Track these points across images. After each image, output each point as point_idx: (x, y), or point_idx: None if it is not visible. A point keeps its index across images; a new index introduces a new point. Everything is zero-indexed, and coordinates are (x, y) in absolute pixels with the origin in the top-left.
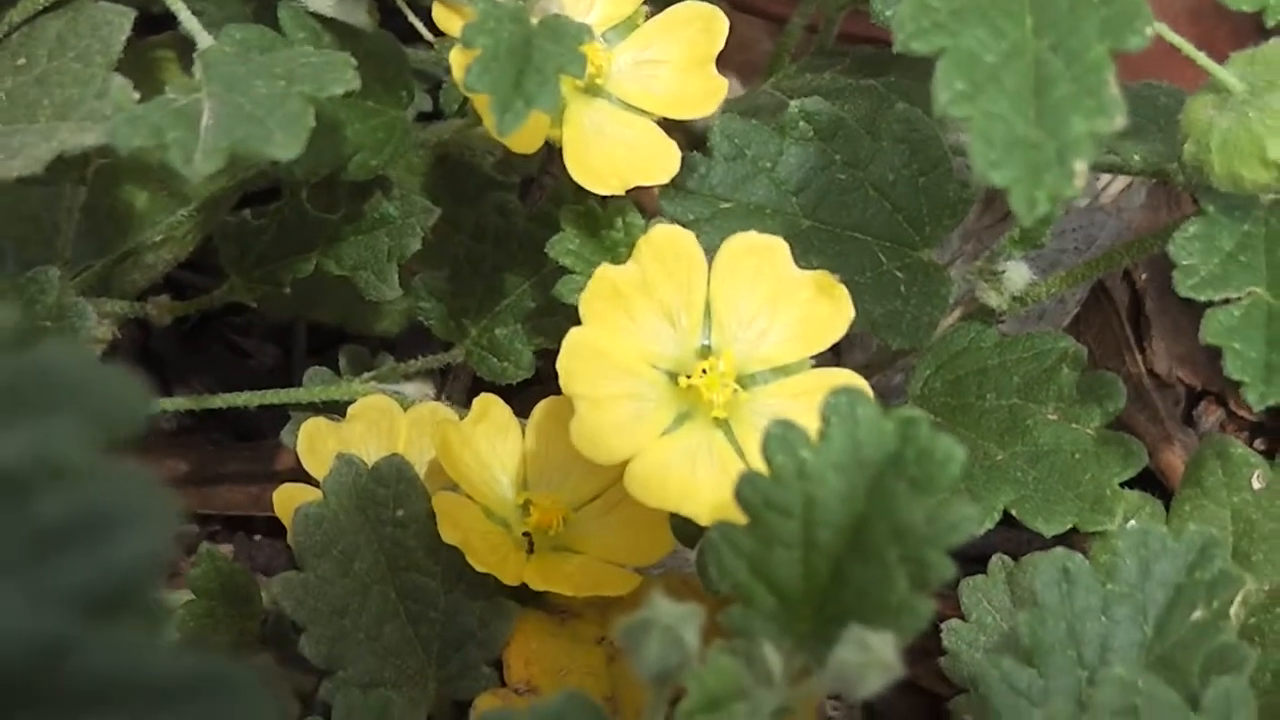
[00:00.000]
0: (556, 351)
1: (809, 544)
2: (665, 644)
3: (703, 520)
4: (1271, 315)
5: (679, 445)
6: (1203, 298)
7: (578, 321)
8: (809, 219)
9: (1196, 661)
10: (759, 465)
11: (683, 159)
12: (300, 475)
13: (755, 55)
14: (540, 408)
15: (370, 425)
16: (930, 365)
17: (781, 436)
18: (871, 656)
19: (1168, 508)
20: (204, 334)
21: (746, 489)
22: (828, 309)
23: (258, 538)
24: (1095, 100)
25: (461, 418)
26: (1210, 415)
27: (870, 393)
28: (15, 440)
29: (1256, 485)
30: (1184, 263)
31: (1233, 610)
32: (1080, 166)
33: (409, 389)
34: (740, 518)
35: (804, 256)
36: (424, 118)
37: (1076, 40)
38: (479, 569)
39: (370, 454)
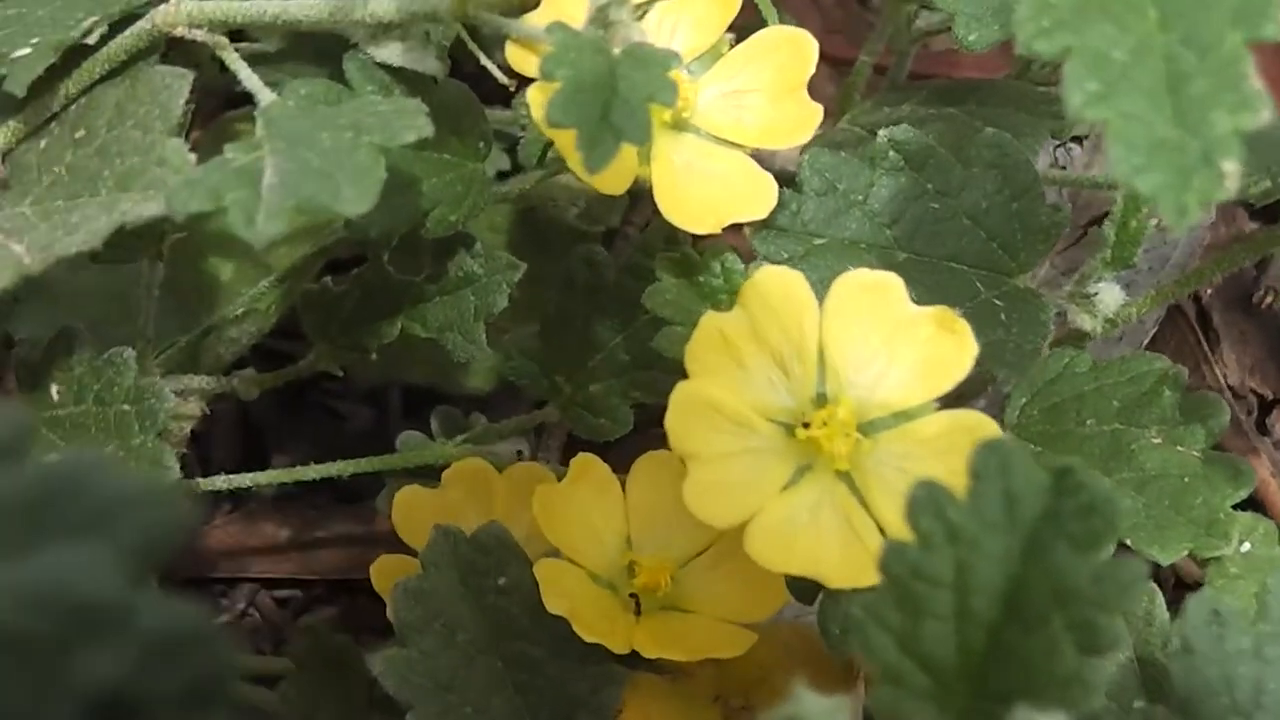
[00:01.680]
0: (650, 405)
1: (963, 614)
2: None
3: (832, 582)
4: None
5: (800, 500)
6: None
7: (675, 374)
8: (904, 251)
9: None
10: (886, 517)
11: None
12: (400, 538)
13: (820, 100)
14: (640, 463)
15: (466, 490)
16: (1025, 393)
17: (927, 498)
18: None
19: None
20: (301, 399)
21: (892, 559)
22: (949, 346)
23: (361, 599)
24: (1236, 94)
25: (558, 475)
26: None
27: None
28: (34, 577)
29: None
30: None
31: None
32: (1230, 166)
33: (503, 449)
34: (873, 577)
35: None
36: (502, 177)
37: (1207, 32)
38: (587, 639)
39: (467, 519)
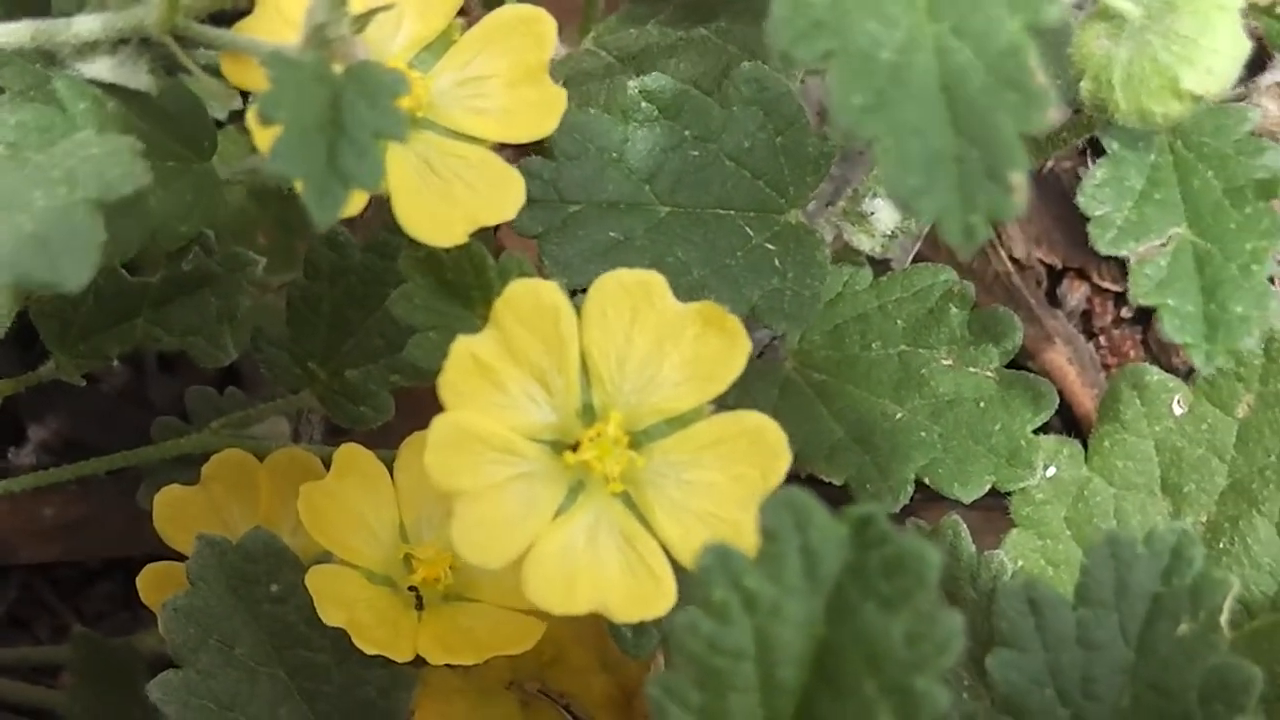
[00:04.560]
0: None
1: (768, 686)
2: None
3: (620, 616)
4: (1200, 259)
5: (575, 527)
6: (1124, 251)
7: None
8: (667, 205)
9: (1192, 685)
10: (671, 537)
11: (521, 165)
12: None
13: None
14: (407, 446)
15: (228, 485)
16: None
17: (719, 565)
18: None
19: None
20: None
21: (686, 634)
22: (719, 344)
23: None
24: (1019, 92)
25: (323, 459)
26: (1075, 292)
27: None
28: None
29: (1177, 410)
30: (1097, 214)
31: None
32: (1017, 179)
33: (263, 430)
34: (663, 608)
35: (668, 248)
36: (236, 117)
37: (982, 18)
38: (369, 651)
39: (233, 516)
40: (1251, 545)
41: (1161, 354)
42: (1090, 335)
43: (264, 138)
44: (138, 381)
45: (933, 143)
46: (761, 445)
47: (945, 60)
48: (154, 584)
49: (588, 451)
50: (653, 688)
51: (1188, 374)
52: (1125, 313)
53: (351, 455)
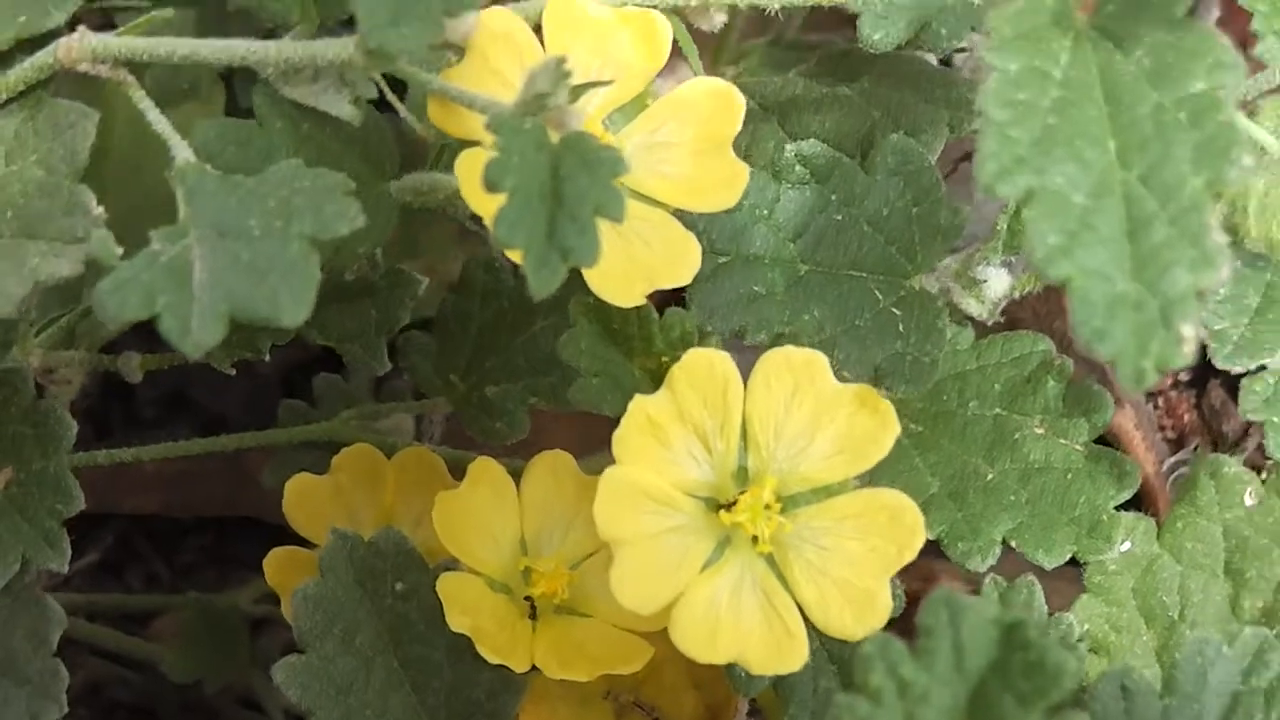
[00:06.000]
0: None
1: None
2: None
3: (757, 669)
4: None
5: (721, 580)
6: (1239, 368)
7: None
8: (807, 264)
9: None
10: (806, 598)
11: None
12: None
13: None
14: (535, 463)
15: (355, 476)
16: None
17: (879, 654)
18: None
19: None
20: None
21: (844, 714)
22: (870, 424)
23: (230, 533)
24: (1197, 249)
25: (443, 459)
26: None
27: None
28: None
29: (1249, 502)
30: (1216, 328)
31: None
32: (1188, 331)
33: (389, 425)
34: (796, 663)
35: (805, 305)
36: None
37: (1169, 171)
38: (491, 660)
39: (359, 507)
40: None
41: (1213, 419)
42: (1148, 395)
43: (475, 194)
44: None
45: (1116, 286)
46: (899, 522)
47: (1132, 208)
48: (279, 566)
49: (742, 513)
50: None
51: (1235, 443)
52: (1183, 375)
53: (485, 467)
